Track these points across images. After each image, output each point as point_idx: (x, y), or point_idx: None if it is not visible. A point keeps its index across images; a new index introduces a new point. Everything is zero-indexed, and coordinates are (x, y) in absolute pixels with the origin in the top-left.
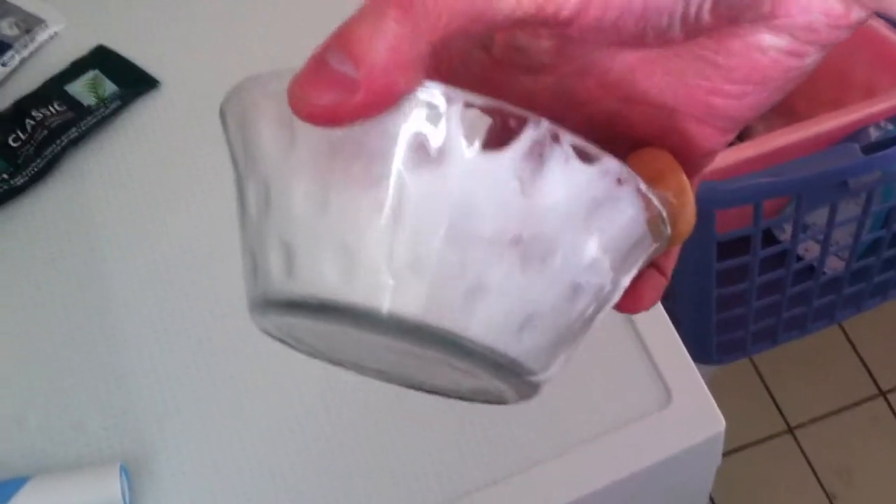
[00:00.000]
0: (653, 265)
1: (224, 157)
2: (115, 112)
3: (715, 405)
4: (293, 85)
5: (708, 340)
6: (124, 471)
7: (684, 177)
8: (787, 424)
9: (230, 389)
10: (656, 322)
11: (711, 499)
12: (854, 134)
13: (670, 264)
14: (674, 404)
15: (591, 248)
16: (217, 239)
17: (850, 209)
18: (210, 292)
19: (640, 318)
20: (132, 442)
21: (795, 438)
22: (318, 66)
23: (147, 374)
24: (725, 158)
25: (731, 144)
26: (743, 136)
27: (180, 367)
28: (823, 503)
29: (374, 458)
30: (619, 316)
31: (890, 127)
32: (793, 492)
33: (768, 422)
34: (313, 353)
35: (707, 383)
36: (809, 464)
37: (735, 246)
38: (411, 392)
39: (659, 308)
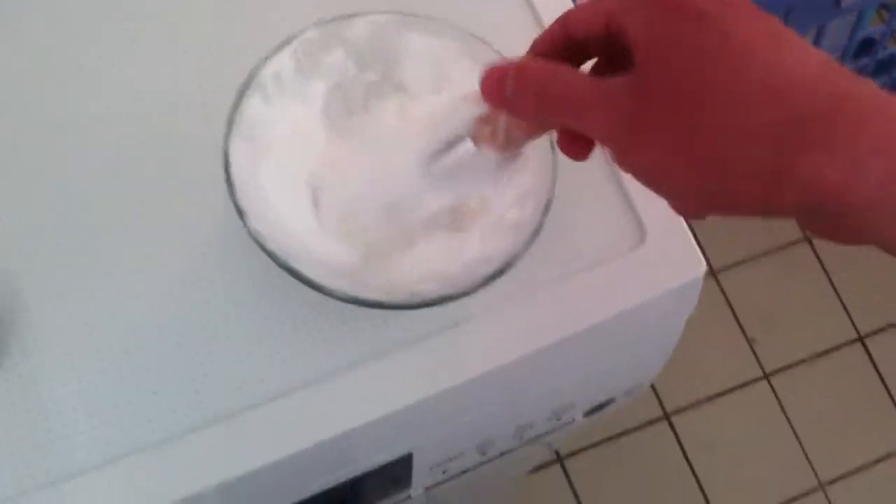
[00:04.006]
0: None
1: None
2: None
3: (695, 245)
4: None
5: None
6: None
7: None
8: (710, 267)
9: (101, 235)
10: None
11: None
12: None
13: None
14: (648, 243)
15: None
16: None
17: (839, 32)
18: (77, 121)
19: None
20: None
21: (718, 282)
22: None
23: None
24: None
25: None
26: None
27: (42, 211)
28: (744, 347)
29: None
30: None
31: None
32: (714, 335)
33: None
34: None
35: None
36: (731, 307)
37: None
38: None
39: None
